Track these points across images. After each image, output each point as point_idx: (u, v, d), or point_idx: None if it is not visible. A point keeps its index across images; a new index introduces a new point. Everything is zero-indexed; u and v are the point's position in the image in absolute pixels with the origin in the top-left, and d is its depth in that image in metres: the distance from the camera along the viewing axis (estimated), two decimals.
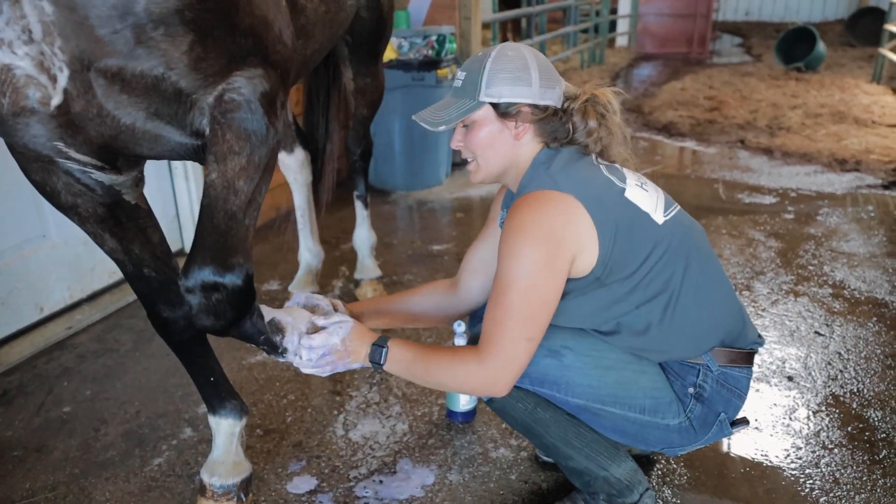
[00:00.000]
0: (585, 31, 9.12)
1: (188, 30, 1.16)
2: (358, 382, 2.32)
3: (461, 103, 1.48)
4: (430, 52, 4.08)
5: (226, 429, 1.76)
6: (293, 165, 2.78)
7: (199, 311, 1.36)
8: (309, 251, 2.86)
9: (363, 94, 2.65)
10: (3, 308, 2.50)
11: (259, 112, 1.30)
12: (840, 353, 2.44)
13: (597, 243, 1.39)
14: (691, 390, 1.52)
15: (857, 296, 2.86)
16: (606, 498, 1.62)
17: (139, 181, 1.52)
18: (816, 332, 2.58)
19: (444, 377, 1.45)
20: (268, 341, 1.44)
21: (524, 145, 1.50)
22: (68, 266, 2.73)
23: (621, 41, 11.29)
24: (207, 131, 1.29)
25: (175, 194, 3.24)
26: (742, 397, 1.56)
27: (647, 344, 1.50)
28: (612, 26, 11.02)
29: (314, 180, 2.85)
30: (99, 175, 1.38)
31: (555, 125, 1.49)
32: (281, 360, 1.46)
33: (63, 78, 1.13)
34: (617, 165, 1.57)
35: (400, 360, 1.45)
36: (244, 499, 1.76)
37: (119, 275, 2.97)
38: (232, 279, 1.35)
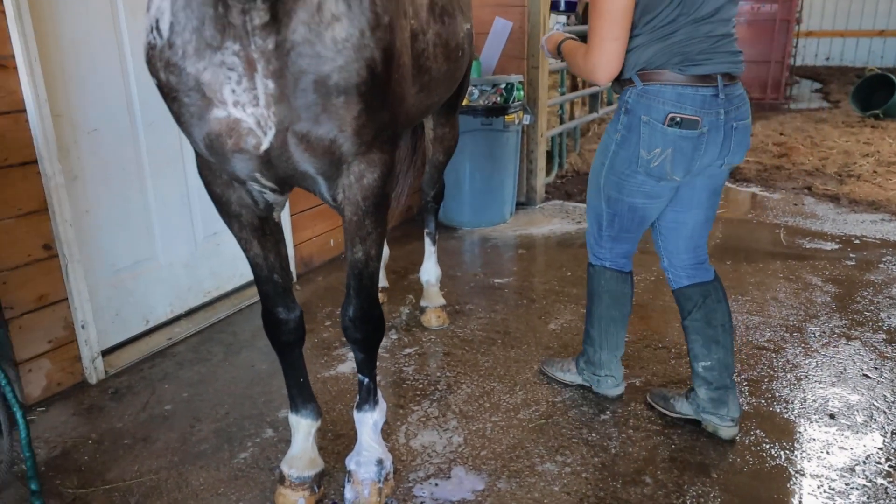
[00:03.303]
0: None
1: (360, 100, 1.56)
2: (419, 398, 2.55)
3: None
4: (498, 98, 4.37)
5: (305, 427, 2.03)
6: None
7: (359, 328, 1.92)
8: None
9: (441, 142, 2.94)
10: (116, 319, 2.88)
11: (387, 194, 1.79)
12: (885, 396, 2.50)
13: None
14: (622, 108, 2.08)
15: None
16: (586, 360, 2.48)
17: (284, 204, 1.91)
18: (864, 375, 2.65)
19: (573, 62, 2.15)
20: None
21: None
22: (170, 285, 3.11)
23: None
24: (347, 212, 1.74)
25: None
26: (665, 101, 1.99)
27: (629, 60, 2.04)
28: None
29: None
30: (269, 195, 1.79)
31: None
32: None
33: (271, 134, 1.54)
34: None
35: (566, 49, 2.21)
36: (317, 490, 2.01)
37: (212, 294, 3.35)
38: (376, 313, 1.94)
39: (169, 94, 1.58)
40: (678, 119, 1.98)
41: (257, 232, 1.84)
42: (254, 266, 1.89)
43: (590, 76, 2.06)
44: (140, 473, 2.16)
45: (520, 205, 5.00)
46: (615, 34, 1.95)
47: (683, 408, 2.36)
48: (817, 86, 12.92)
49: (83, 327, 2.61)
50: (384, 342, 3.00)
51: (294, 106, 1.52)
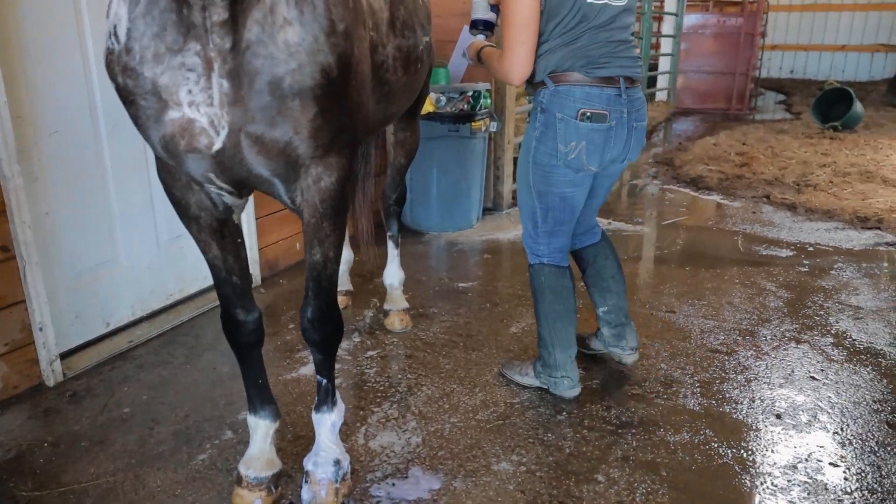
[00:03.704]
0: None
1: (315, 104, 1.58)
2: (380, 400, 2.58)
3: None
4: (465, 106, 4.43)
5: (263, 429, 2.05)
6: None
7: (317, 329, 1.94)
8: (343, 256, 3.32)
9: (402, 146, 3.00)
10: (76, 321, 2.86)
11: (345, 198, 1.81)
12: (830, 398, 2.60)
13: None
14: (538, 108, 2.30)
15: (858, 346, 3.01)
16: (542, 364, 2.57)
17: (244, 206, 1.93)
18: (811, 377, 2.75)
19: (491, 66, 2.36)
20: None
21: None
22: (132, 288, 3.10)
23: (661, 96, 11.57)
24: (306, 214, 1.77)
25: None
26: (576, 99, 2.22)
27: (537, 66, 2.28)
28: (653, 82, 11.33)
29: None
30: (227, 197, 1.81)
31: None
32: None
33: (223, 133, 1.56)
34: None
35: (485, 55, 2.42)
36: (274, 491, 2.03)
37: (176, 297, 3.35)
38: (334, 315, 1.97)
39: (127, 98, 1.60)
40: (588, 114, 2.24)
41: (216, 234, 1.86)
42: (213, 268, 1.92)
43: (505, 78, 2.29)
44: (96, 476, 2.15)
45: (487, 210, 5.06)
46: (523, 39, 2.20)
47: (596, 344, 2.85)
48: (781, 97, 13.26)
49: (41, 330, 2.60)
50: (347, 345, 3.02)
51: (249, 107, 1.55)
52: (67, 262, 2.79)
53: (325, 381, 2.04)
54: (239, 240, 1.93)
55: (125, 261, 3.04)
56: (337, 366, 2.83)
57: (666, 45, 11.45)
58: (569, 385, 2.55)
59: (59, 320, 2.76)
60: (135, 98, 1.57)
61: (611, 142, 2.29)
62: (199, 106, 1.54)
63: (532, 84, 2.33)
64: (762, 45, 13.27)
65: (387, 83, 2.11)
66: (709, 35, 11.04)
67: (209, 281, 3.54)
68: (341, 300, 3.41)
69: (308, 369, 2.81)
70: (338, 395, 2.10)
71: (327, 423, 2.06)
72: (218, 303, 3.41)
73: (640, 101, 2.34)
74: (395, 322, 3.17)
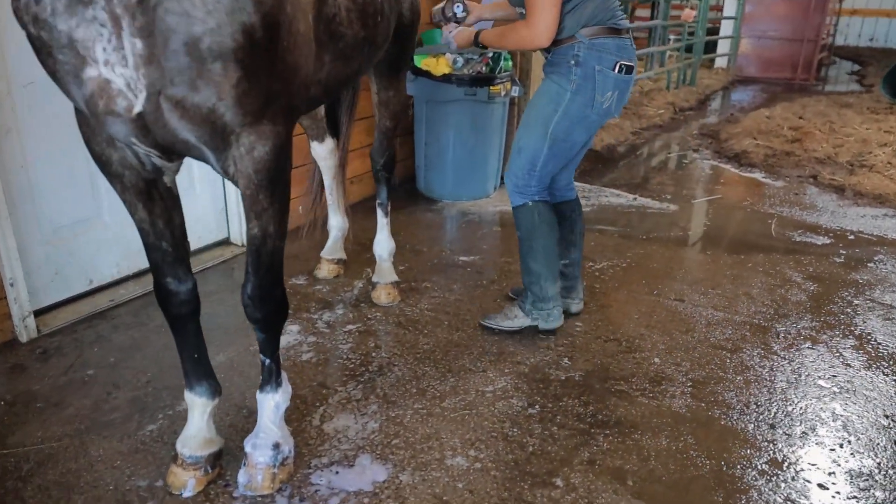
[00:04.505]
0: (678, 50, 8.92)
1: (238, 67, 1.44)
2: (346, 379, 2.47)
3: None
4: (484, 68, 4.19)
5: (200, 406, 1.96)
6: (323, 153, 3.13)
7: (257, 307, 1.83)
8: (336, 223, 3.29)
9: (386, 107, 2.82)
10: (56, 278, 2.83)
11: (283, 168, 1.67)
12: (834, 409, 2.35)
13: None
14: (572, 62, 2.38)
15: (882, 351, 2.73)
16: (532, 302, 2.67)
17: (179, 168, 1.81)
18: (819, 384, 2.50)
19: (511, 37, 2.45)
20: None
21: None
22: (117, 245, 3.04)
23: (721, 62, 10.93)
24: (241, 186, 1.64)
25: (225, 190, 3.52)
26: (611, 52, 2.37)
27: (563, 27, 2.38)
28: (712, 47, 10.69)
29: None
30: (156, 158, 1.69)
31: None
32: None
33: (142, 97, 1.44)
34: None
35: (487, 35, 2.58)
36: (210, 471, 1.95)
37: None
38: (277, 293, 1.86)
39: (41, 50, 1.47)
40: (624, 66, 2.41)
41: (143, 195, 1.74)
42: (140, 231, 1.80)
43: (533, 43, 2.38)
44: (42, 440, 2.11)
45: (503, 179, 4.83)
46: (554, 1, 2.31)
47: None
48: (856, 68, 12.36)
49: (12, 285, 2.56)
50: (328, 317, 2.91)
51: (166, 68, 1.41)
52: (45, 217, 2.74)
53: (268, 360, 1.93)
54: (172, 203, 1.81)
55: (109, 217, 2.98)
56: (313, 339, 2.75)
57: (729, 7, 10.75)
58: (559, 314, 2.71)
59: (37, 276, 2.73)
60: (51, 51, 1.45)
61: (630, 90, 2.53)
62: (113, 66, 1.41)
63: (557, 41, 2.40)
64: (838, 10, 12.36)
65: (341, 38, 1.94)
66: None
67: (204, 241, 3.49)
68: (333, 269, 3.29)
69: (283, 340, 2.68)
70: (284, 375, 1.99)
71: (270, 404, 1.96)
72: (210, 263, 3.42)
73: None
74: (382, 296, 3.04)
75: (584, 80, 2.40)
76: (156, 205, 1.77)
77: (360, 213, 3.91)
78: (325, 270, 3.29)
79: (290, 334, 2.77)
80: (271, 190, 1.68)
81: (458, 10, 2.73)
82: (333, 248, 3.32)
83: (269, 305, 1.85)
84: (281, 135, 1.64)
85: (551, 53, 2.47)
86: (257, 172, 1.63)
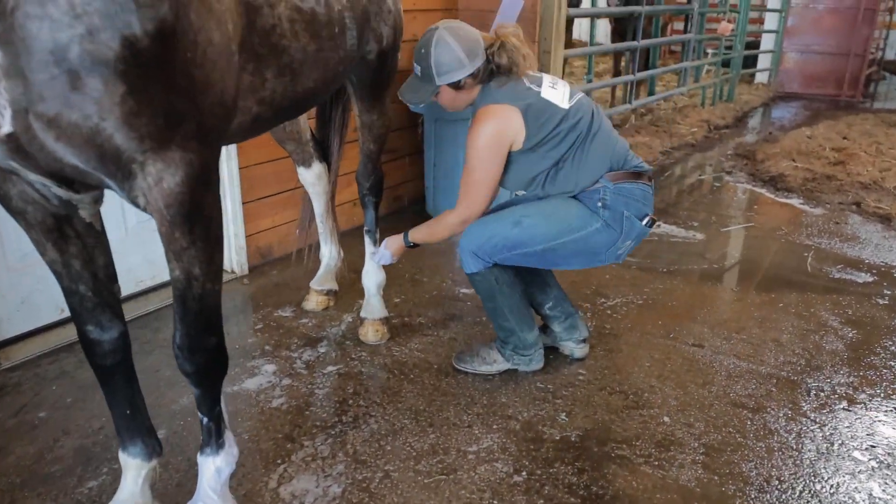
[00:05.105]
0: (715, 65, 8.53)
1: (121, 81, 1.22)
2: (316, 432, 2.23)
3: (427, 87, 2.26)
4: None
5: (134, 468, 1.75)
6: (310, 178, 2.94)
7: (187, 358, 1.61)
8: (328, 252, 3.09)
9: (369, 130, 2.61)
10: (23, 307, 2.67)
11: (201, 202, 1.45)
12: (872, 490, 2.02)
13: (524, 128, 2.22)
14: (599, 204, 2.30)
15: None
16: (513, 349, 2.53)
17: (98, 199, 1.59)
18: (854, 457, 2.17)
19: (439, 229, 2.45)
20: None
21: (473, 90, 2.29)
22: None
23: (761, 77, 10.47)
24: (156, 222, 1.44)
25: None
26: (637, 199, 2.31)
27: (563, 185, 2.32)
28: (752, 62, 10.25)
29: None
30: (57, 190, 1.47)
31: (484, 71, 2.24)
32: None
33: (8, 114, 1.23)
34: (536, 74, 2.32)
35: (416, 234, 2.49)
36: None
37: (146, 283, 3.13)
38: (210, 343, 1.63)
39: None
40: (650, 220, 2.36)
41: (52, 234, 1.54)
42: (53, 274, 1.60)
43: (463, 225, 2.37)
44: None
45: None
46: (487, 194, 2.33)
47: (545, 340, 2.69)
48: None
49: None
50: (308, 356, 2.69)
51: (32, 81, 1.19)
52: (12, 243, 2.58)
53: (205, 419, 1.71)
54: (93, 242, 1.60)
55: None
56: (288, 381, 2.52)
57: (770, 20, 10.31)
58: (540, 355, 2.58)
59: (2, 305, 2.57)
60: None
61: (640, 242, 2.46)
62: None
63: (581, 189, 2.33)
64: (889, 23, 11.78)
65: (283, 52, 1.72)
66: (821, 10, 9.82)
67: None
68: (321, 301, 3.07)
69: (253, 382, 2.50)
70: (228, 436, 1.76)
71: (210, 469, 1.73)
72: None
73: None
74: (369, 333, 2.80)
75: (612, 222, 2.31)
76: (70, 244, 1.56)
77: (362, 237, 3.68)
78: (313, 302, 3.07)
79: (265, 375, 2.55)
80: (188, 227, 1.46)
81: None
82: (324, 278, 3.10)
83: (199, 357, 1.62)
84: (194, 163, 1.41)
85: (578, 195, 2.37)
86: (168, 207, 1.41)
